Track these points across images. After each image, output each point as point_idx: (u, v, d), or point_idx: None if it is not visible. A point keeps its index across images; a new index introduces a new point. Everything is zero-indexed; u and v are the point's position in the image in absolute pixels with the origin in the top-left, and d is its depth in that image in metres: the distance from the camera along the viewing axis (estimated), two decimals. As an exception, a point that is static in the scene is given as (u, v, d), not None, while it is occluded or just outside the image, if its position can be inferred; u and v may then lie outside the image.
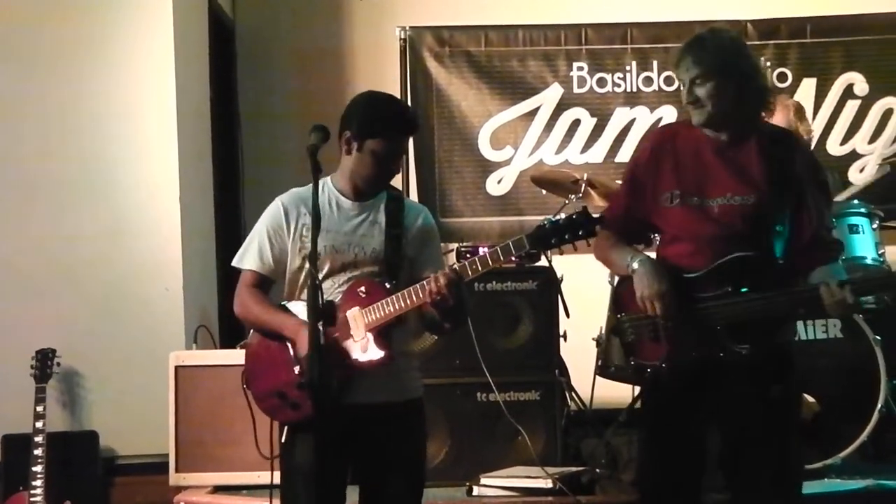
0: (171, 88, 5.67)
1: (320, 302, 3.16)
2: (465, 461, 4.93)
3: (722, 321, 3.41)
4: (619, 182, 6.02)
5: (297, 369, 3.35)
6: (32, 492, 5.07)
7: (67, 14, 5.66)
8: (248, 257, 3.54)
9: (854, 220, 5.10)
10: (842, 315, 3.33)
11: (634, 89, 6.72)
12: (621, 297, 3.63)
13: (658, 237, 3.69)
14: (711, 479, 3.66)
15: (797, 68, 6.64)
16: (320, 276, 3.37)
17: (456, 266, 3.33)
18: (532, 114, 6.73)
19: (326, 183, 3.54)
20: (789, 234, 3.47)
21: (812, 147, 5.90)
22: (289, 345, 3.40)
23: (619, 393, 5.26)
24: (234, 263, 3.59)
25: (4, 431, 5.37)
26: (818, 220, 3.49)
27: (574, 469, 4.83)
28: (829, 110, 6.61)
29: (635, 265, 3.50)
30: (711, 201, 3.47)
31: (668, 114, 6.65)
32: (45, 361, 5.28)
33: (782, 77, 6.63)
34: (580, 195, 5.65)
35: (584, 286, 5.39)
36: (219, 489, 4.95)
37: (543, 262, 5.28)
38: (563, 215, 3.31)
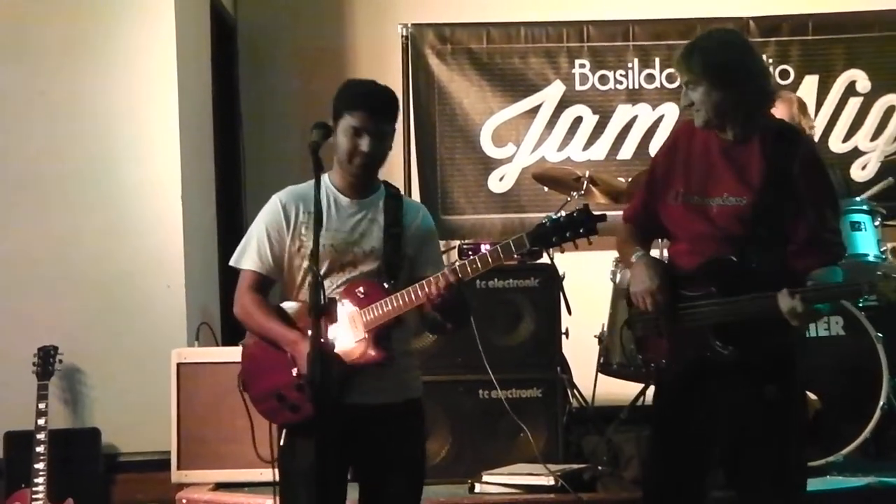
0: (172, 87, 5.67)
1: (322, 300, 3.12)
2: (467, 458, 4.93)
3: (707, 321, 3.43)
4: (622, 179, 6.08)
5: (294, 372, 3.31)
6: (34, 489, 5.06)
7: (69, 13, 5.65)
8: (247, 257, 3.49)
9: (856, 217, 5.10)
10: (798, 323, 3.34)
11: (636, 86, 6.72)
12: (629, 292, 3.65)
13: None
14: (713, 477, 3.66)
15: (799, 65, 6.64)
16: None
17: (456, 266, 3.31)
18: (534, 111, 6.73)
19: (324, 180, 3.48)
20: (787, 235, 3.45)
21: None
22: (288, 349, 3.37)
23: (620, 390, 5.28)
24: (231, 263, 3.54)
25: (6, 428, 5.37)
26: (818, 222, 3.44)
27: (576, 466, 4.83)
28: (831, 108, 6.60)
29: (633, 260, 3.54)
30: (711, 201, 3.48)
31: (670, 111, 6.64)
32: (47, 358, 5.28)
33: (784, 74, 6.63)
34: (582, 192, 5.66)
35: (586, 284, 5.41)
36: (220, 486, 4.95)
37: (545, 259, 5.26)
38: (563, 213, 3.29)
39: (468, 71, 6.75)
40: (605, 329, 5.40)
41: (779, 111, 5.45)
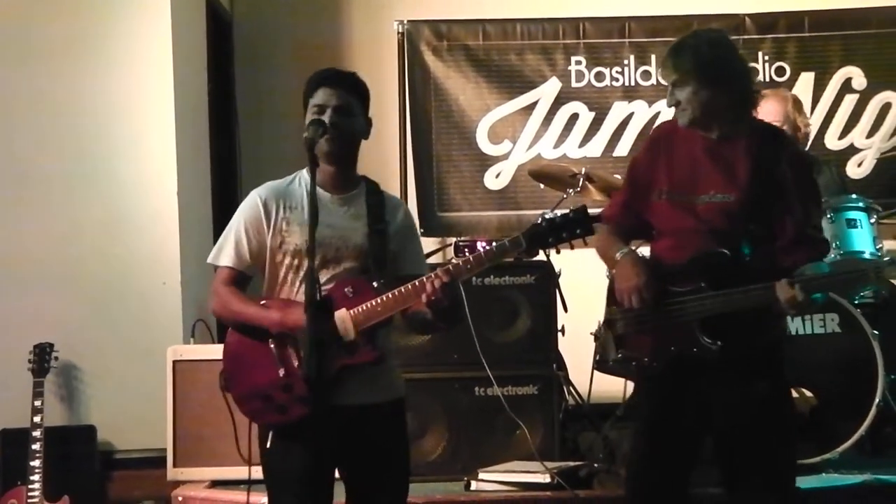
0: (168, 83, 5.67)
1: (318, 296, 3.11)
2: (464, 455, 4.93)
3: (695, 316, 3.45)
4: (618, 176, 6.08)
5: (281, 372, 3.27)
6: (30, 486, 5.07)
7: (65, 10, 5.66)
8: (225, 254, 3.43)
9: (852, 214, 5.09)
10: (794, 313, 3.42)
11: (633, 83, 6.71)
12: (614, 290, 3.65)
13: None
14: (707, 474, 3.67)
15: (795, 62, 6.63)
16: (302, 272, 3.33)
17: (450, 266, 3.28)
18: (530, 108, 6.72)
19: (301, 177, 3.47)
20: (774, 232, 3.49)
21: (810, 141, 5.89)
22: (272, 345, 3.31)
23: (616, 387, 5.27)
24: (209, 260, 3.48)
25: (2, 426, 5.38)
26: (804, 219, 3.51)
27: (572, 463, 4.84)
28: (828, 104, 6.60)
29: (618, 257, 3.55)
30: (697, 198, 3.51)
31: (667, 108, 6.60)
32: (42, 356, 5.28)
33: (780, 71, 6.62)
34: (578, 189, 5.65)
35: (583, 281, 5.39)
36: (216, 484, 4.94)
37: (541, 256, 5.27)
38: (559, 212, 3.28)
39: (464, 67, 6.74)
40: (602, 326, 5.40)
41: (774, 108, 5.45)
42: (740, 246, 3.47)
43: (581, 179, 5.66)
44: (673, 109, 3.61)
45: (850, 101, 6.61)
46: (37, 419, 5.14)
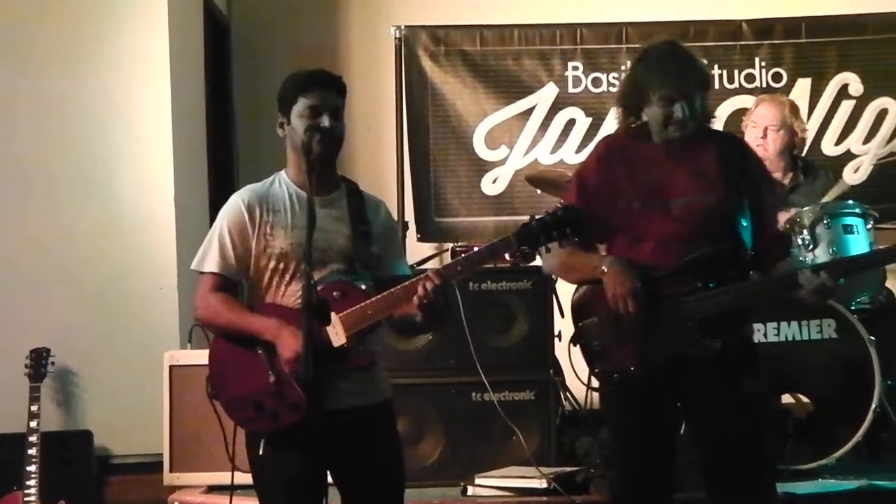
0: (165, 86, 5.67)
1: (314, 299, 3.08)
2: (460, 461, 4.93)
3: (694, 316, 3.47)
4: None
5: (272, 377, 3.23)
6: (27, 491, 5.06)
7: (62, 12, 5.66)
8: (210, 259, 3.39)
9: (848, 220, 5.09)
10: (820, 301, 3.49)
11: (629, 89, 6.70)
12: (584, 304, 3.65)
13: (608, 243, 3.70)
14: (693, 478, 3.69)
15: (792, 68, 6.63)
16: (287, 276, 3.32)
17: (441, 268, 3.28)
18: (527, 113, 6.71)
19: (281, 178, 3.45)
20: (752, 230, 3.59)
21: (807, 146, 5.90)
22: (260, 351, 3.27)
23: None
24: (193, 267, 3.45)
25: (-2, 431, 5.38)
26: (773, 219, 3.72)
27: (568, 469, 4.84)
28: (824, 110, 6.60)
29: (605, 266, 3.52)
30: (672, 202, 3.54)
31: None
32: (39, 360, 5.27)
33: (777, 77, 6.63)
34: (575, 195, 5.64)
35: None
36: (213, 489, 4.94)
37: (538, 261, 5.27)
38: (547, 211, 3.26)
39: (462, 73, 6.73)
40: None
41: (771, 114, 5.48)
42: (738, 241, 3.55)
43: (578, 185, 5.65)
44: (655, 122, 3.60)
45: (846, 106, 6.61)
46: (33, 424, 5.14)
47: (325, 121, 3.34)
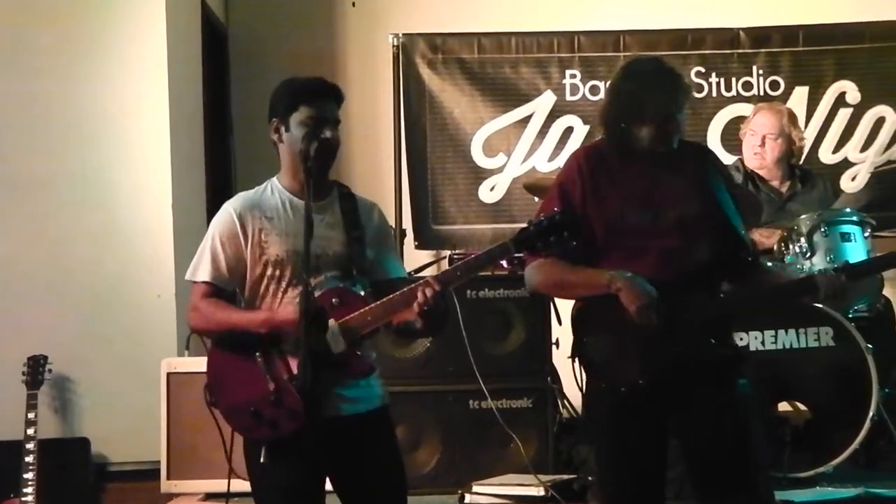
0: (163, 93, 5.67)
1: (311, 306, 3.07)
2: (457, 468, 4.93)
3: (704, 323, 3.47)
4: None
5: (271, 386, 3.22)
6: (23, 499, 5.06)
7: (61, 18, 5.66)
8: (202, 269, 3.37)
9: (846, 228, 5.10)
10: (838, 303, 3.53)
11: (627, 97, 6.71)
12: (586, 317, 3.58)
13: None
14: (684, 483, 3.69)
15: (789, 76, 6.64)
16: (283, 283, 3.32)
17: (440, 274, 3.28)
18: (525, 121, 6.72)
19: (273, 185, 3.44)
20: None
21: (804, 154, 5.91)
22: (258, 359, 3.27)
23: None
24: (186, 277, 3.43)
25: (-5, 438, 5.37)
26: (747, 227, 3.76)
27: (566, 476, 4.83)
28: (822, 118, 6.61)
29: (620, 282, 3.44)
30: (664, 214, 3.52)
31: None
32: (36, 368, 5.27)
33: (774, 85, 6.63)
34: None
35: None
36: (210, 496, 4.93)
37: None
38: (544, 217, 3.24)
39: (459, 80, 6.74)
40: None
41: (769, 122, 5.49)
42: (737, 246, 3.56)
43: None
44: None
45: (843, 115, 6.61)
46: (30, 431, 5.13)
47: (329, 132, 3.34)
